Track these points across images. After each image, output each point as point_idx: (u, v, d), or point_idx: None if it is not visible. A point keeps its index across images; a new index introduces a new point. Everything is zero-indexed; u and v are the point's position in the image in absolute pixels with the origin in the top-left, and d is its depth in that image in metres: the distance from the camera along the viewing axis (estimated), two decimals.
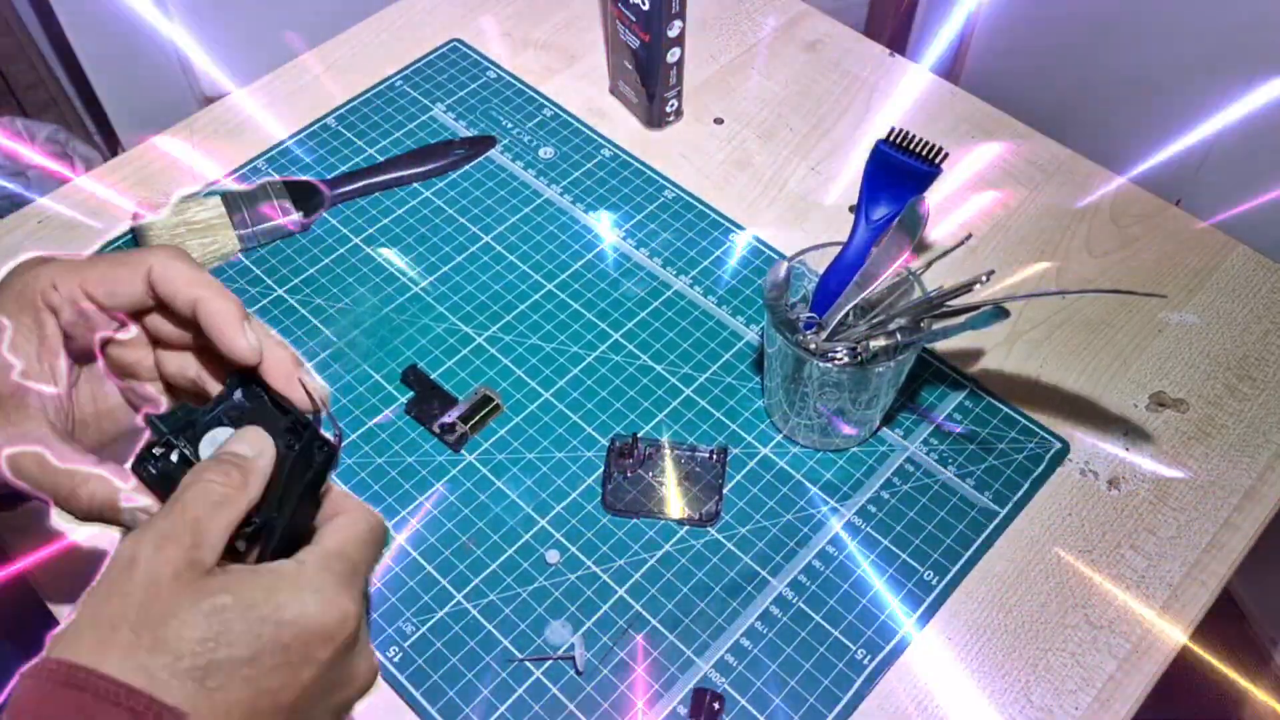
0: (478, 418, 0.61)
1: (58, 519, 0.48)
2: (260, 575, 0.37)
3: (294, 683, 0.36)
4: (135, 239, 0.68)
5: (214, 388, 0.46)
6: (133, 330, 0.47)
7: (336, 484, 0.43)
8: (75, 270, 0.45)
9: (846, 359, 0.56)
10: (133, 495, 0.43)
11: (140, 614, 0.34)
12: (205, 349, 0.46)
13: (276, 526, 0.41)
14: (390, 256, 0.69)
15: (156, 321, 0.47)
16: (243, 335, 0.44)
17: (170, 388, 0.49)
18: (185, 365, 0.48)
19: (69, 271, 0.45)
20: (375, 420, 0.61)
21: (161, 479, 0.43)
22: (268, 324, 0.47)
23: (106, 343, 0.47)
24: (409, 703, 0.51)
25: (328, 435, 0.43)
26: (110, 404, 0.49)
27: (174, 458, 0.44)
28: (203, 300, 0.44)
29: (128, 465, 0.44)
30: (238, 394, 0.45)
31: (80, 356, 0.47)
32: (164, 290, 0.45)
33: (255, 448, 0.41)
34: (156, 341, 0.48)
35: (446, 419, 0.60)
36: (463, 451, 0.60)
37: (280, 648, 0.35)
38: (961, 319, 0.50)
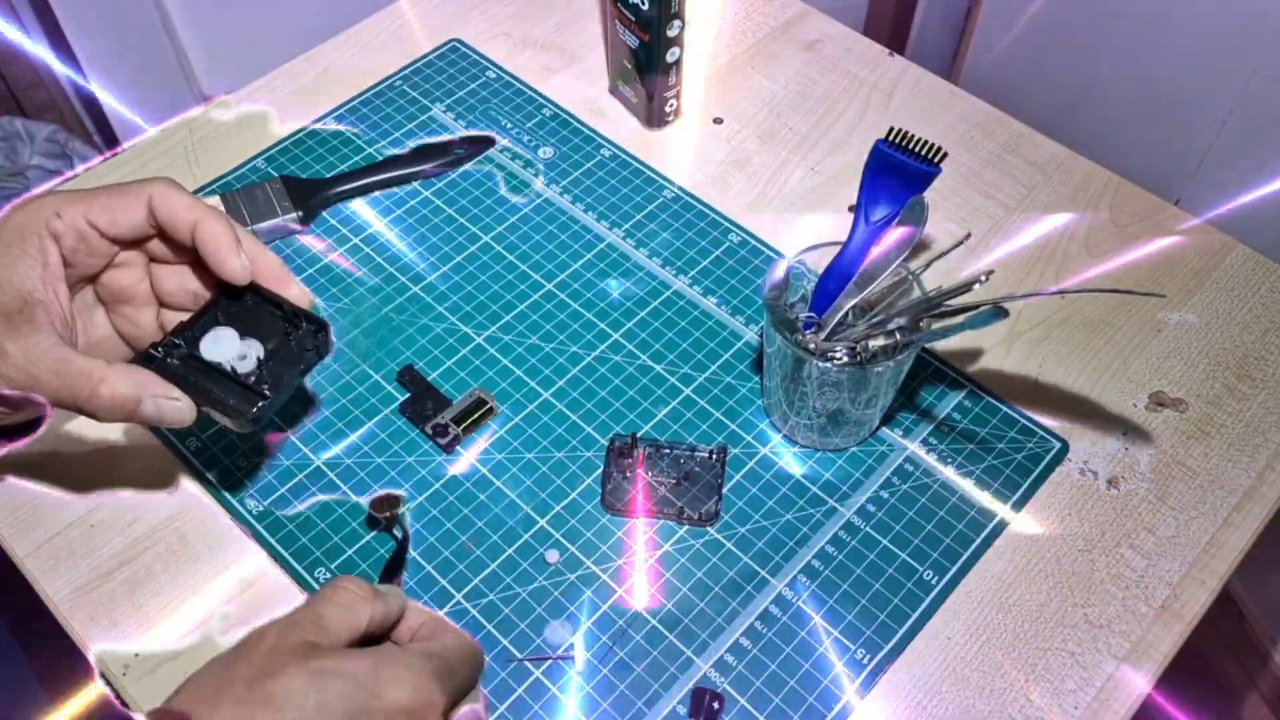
0: (471, 420, 0.61)
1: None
2: (366, 655, 0.40)
3: None
4: None
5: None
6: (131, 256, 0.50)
7: (442, 617, 0.47)
8: (78, 200, 0.48)
9: (846, 359, 0.56)
10: (157, 387, 0.46)
11: (256, 674, 0.37)
12: (200, 263, 0.50)
13: (271, 407, 0.48)
14: (390, 256, 0.69)
15: (154, 246, 0.50)
16: (236, 256, 0.48)
17: (164, 307, 0.52)
18: (184, 280, 0.51)
19: (72, 201, 0.48)
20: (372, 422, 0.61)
21: (162, 373, 0.47)
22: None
23: (102, 270, 0.51)
24: None
25: (323, 320, 0.50)
26: (100, 334, 0.52)
27: (175, 358, 0.49)
28: (200, 223, 0.48)
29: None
30: (232, 294, 0.50)
31: (80, 283, 0.50)
32: (163, 216, 0.48)
33: (393, 590, 0.45)
34: (153, 259, 0.51)
35: (439, 420, 0.60)
36: (462, 451, 0.60)
37: (371, 715, 0.38)
38: (960, 319, 0.50)
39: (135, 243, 0.50)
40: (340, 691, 0.38)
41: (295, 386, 0.50)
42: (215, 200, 0.68)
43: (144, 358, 0.49)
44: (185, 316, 0.51)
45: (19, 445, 0.53)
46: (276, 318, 0.50)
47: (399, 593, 0.45)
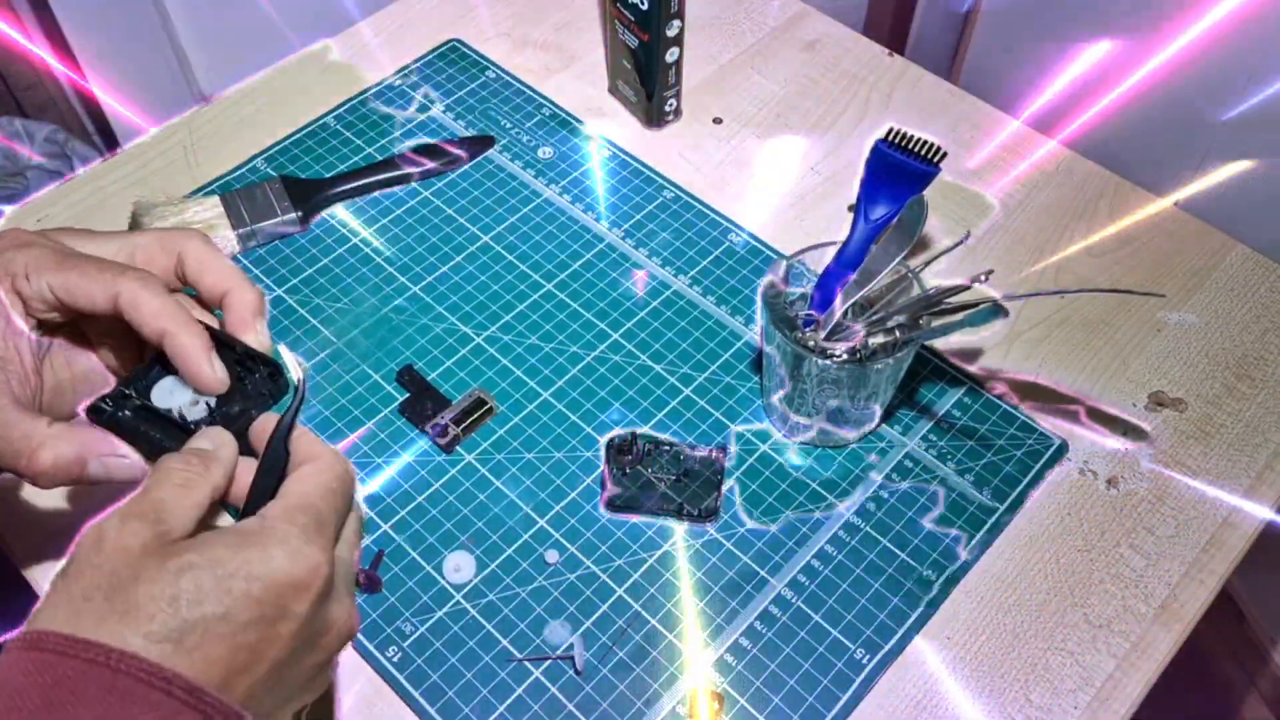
0: (470, 420, 0.61)
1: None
2: (225, 535, 0.37)
3: (271, 636, 0.36)
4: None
5: None
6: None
7: (308, 431, 0.43)
8: (48, 269, 0.45)
9: (845, 357, 0.56)
10: (103, 445, 0.44)
11: (110, 582, 0.34)
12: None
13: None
14: (389, 256, 0.69)
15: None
16: (208, 368, 0.45)
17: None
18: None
19: (42, 268, 0.45)
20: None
21: (114, 427, 0.45)
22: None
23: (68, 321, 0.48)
24: (408, 703, 0.51)
25: (280, 364, 0.46)
26: (84, 367, 0.49)
27: (126, 409, 0.46)
28: (169, 335, 0.44)
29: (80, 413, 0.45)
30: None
31: (53, 331, 0.47)
32: (131, 318, 0.45)
33: (215, 441, 0.42)
34: None
35: (439, 421, 0.60)
36: (461, 451, 0.60)
37: (252, 602, 0.35)
38: (959, 316, 0.50)
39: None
40: (210, 585, 0.35)
41: (244, 433, 0.46)
42: (214, 201, 0.68)
43: (93, 411, 0.45)
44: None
45: None
46: (230, 361, 0.46)
47: (223, 438, 0.42)
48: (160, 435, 0.45)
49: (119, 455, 0.44)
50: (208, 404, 0.46)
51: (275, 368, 0.47)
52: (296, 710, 0.40)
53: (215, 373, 0.45)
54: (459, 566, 0.56)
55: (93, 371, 0.49)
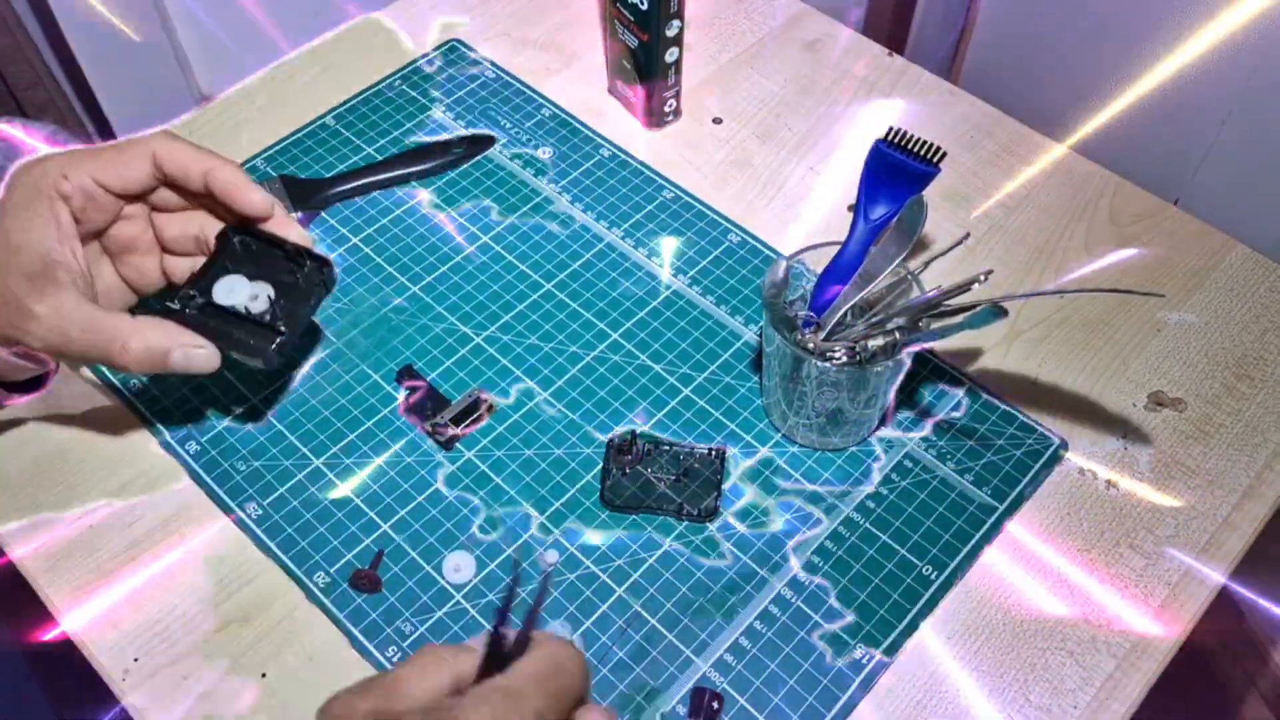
0: (470, 419, 0.61)
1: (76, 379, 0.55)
2: (425, 706, 0.36)
3: None
4: None
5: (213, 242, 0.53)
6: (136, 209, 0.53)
7: (547, 641, 0.40)
8: (83, 160, 0.49)
9: (845, 358, 0.56)
10: (184, 336, 0.49)
11: None
12: (209, 207, 0.53)
13: (289, 341, 0.51)
14: (389, 256, 0.69)
15: (158, 196, 0.52)
16: (256, 191, 0.51)
17: (167, 253, 0.54)
18: (186, 226, 0.54)
19: (77, 161, 0.49)
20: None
21: (185, 324, 0.50)
22: None
23: (108, 225, 0.53)
24: None
25: (327, 256, 0.52)
26: (107, 283, 0.54)
27: (193, 308, 0.52)
28: (212, 171, 0.51)
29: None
30: (235, 241, 0.53)
31: (88, 239, 0.51)
32: (172, 169, 0.51)
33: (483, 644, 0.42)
34: (155, 209, 0.53)
35: (438, 420, 0.60)
36: (461, 450, 0.60)
37: None
38: (959, 318, 0.50)
39: (141, 195, 0.52)
40: None
41: (308, 321, 0.53)
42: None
43: (164, 311, 0.51)
44: (189, 261, 0.54)
45: (23, 401, 0.55)
46: (280, 259, 0.53)
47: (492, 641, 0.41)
48: (229, 329, 0.52)
49: (198, 346, 0.50)
50: (268, 297, 0.52)
51: (324, 260, 0.53)
52: None
53: (261, 194, 0.51)
54: (459, 566, 0.56)
55: (114, 287, 0.54)
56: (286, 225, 0.53)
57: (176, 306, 0.52)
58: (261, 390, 0.62)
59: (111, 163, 0.50)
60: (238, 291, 0.52)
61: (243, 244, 0.53)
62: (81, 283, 0.49)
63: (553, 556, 0.56)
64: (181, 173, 0.51)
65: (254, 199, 0.51)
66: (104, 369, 0.63)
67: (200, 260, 0.54)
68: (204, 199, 0.52)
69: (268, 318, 0.52)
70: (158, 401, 0.61)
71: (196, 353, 0.50)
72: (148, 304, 0.54)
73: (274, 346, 0.51)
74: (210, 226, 0.53)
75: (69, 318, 0.47)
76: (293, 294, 0.53)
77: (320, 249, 0.53)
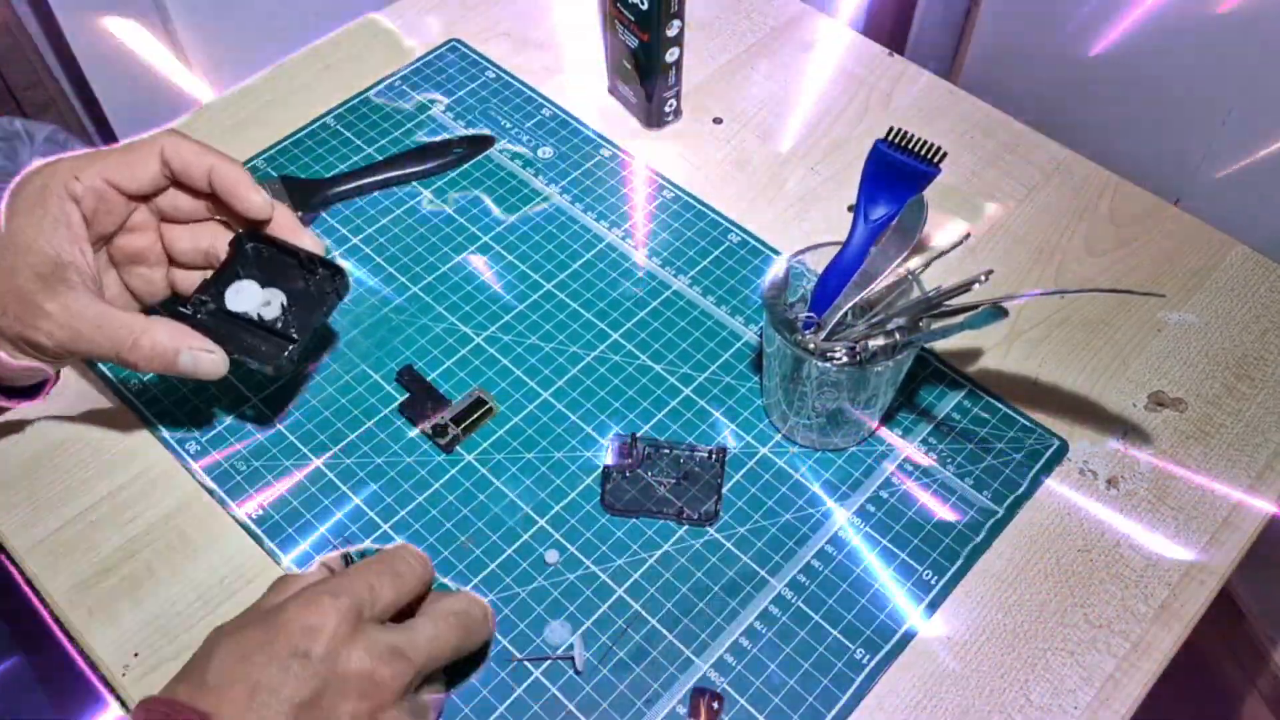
0: (470, 420, 0.61)
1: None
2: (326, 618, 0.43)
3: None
4: None
5: (223, 256, 0.54)
6: (144, 216, 0.53)
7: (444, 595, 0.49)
8: (93, 161, 0.50)
9: (845, 359, 0.56)
10: (193, 339, 0.50)
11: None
12: (217, 211, 0.53)
13: (304, 343, 0.52)
14: (389, 256, 0.69)
15: (166, 205, 0.53)
16: (256, 192, 0.51)
17: (175, 266, 0.55)
18: (195, 239, 0.54)
19: (87, 163, 0.50)
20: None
21: (197, 328, 0.51)
22: None
23: (116, 231, 0.53)
24: None
25: (338, 263, 0.53)
26: (112, 293, 0.54)
27: (204, 313, 0.52)
28: (216, 167, 0.51)
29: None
30: (248, 248, 0.53)
31: (97, 244, 0.52)
32: (177, 166, 0.51)
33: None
34: (165, 219, 0.54)
35: (439, 420, 0.60)
36: (461, 451, 0.60)
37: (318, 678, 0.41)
38: (960, 318, 0.50)
39: (150, 196, 0.52)
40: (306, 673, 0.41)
41: (319, 328, 0.54)
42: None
43: (176, 315, 0.51)
44: (197, 274, 0.54)
45: (23, 406, 0.55)
46: (293, 265, 0.53)
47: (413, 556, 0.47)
48: (241, 335, 0.52)
49: (207, 350, 0.50)
50: (281, 304, 0.53)
51: (336, 268, 0.53)
52: None
53: (261, 195, 0.51)
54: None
55: (118, 297, 0.54)
56: (299, 233, 0.53)
57: (189, 311, 0.52)
58: (261, 390, 0.62)
59: (121, 162, 0.50)
60: (250, 298, 0.52)
61: (255, 250, 0.54)
62: (91, 283, 0.49)
63: (553, 556, 0.56)
64: (186, 170, 0.51)
65: (253, 200, 0.51)
66: (111, 367, 0.63)
67: (209, 274, 0.54)
68: (211, 199, 0.53)
69: (279, 325, 0.52)
70: (158, 401, 0.61)
71: (205, 356, 0.50)
72: (156, 311, 0.54)
73: (285, 354, 0.52)
74: (221, 241, 0.54)
75: (80, 315, 0.48)
76: (305, 301, 0.53)
77: (335, 257, 0.54)
